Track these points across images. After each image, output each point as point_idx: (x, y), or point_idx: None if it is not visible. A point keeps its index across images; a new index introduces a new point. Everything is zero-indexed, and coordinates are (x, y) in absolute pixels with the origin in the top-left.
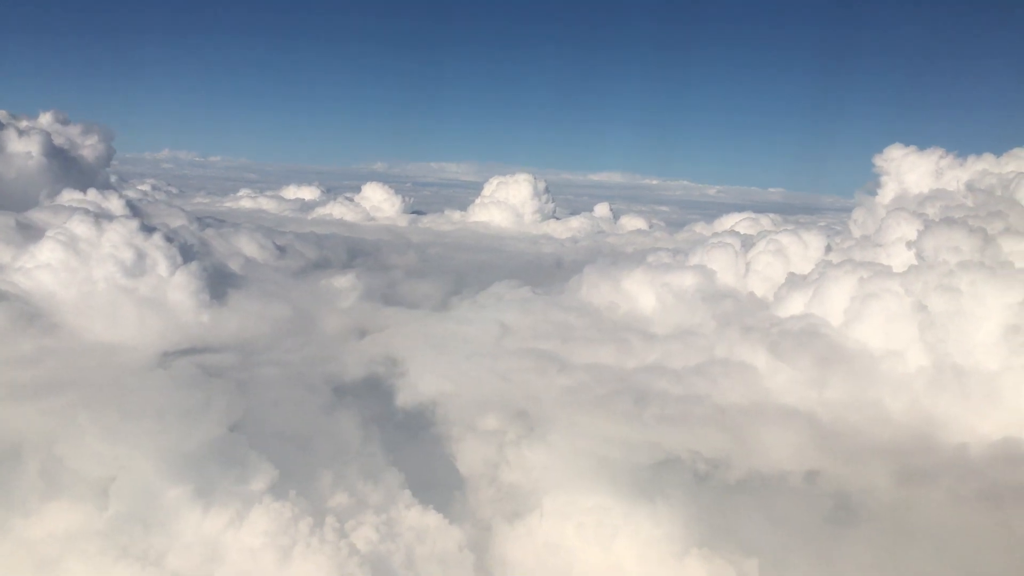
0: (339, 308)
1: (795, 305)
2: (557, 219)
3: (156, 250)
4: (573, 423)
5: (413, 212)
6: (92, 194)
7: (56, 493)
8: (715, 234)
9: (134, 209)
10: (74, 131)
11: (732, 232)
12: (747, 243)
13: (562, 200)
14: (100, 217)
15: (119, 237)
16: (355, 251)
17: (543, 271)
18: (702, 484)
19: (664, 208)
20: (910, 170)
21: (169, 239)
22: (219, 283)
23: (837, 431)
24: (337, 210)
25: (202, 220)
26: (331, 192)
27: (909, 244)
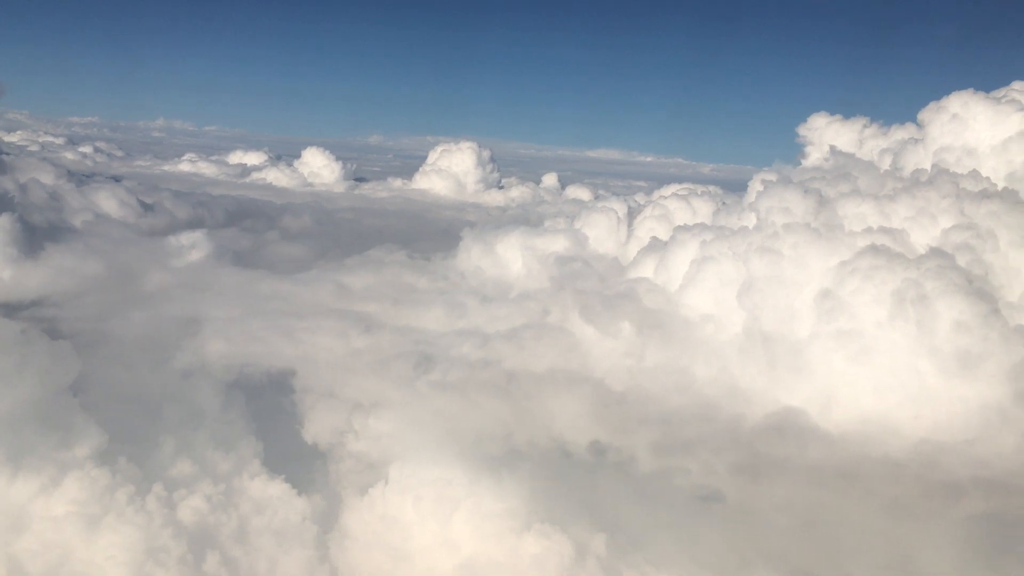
0: (171, 267)
1: (645, 269)
2: (501, 188)
3: None
4: (354, 387)
5: (356, 179)
6: None
7: None
8: (598, 198)
9: None
10: None
11: (620, 198)
12: (636, 210)
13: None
14: None
15: None
16: (244, 213)
17: (448, 238)
18: (550, 459)
19: (641, 183)
20: (833, 139)
21: None
22: (41, 237)
23: (625, 399)
24: (273, 175)
25: (80, 177)
26: (281, 159)
27: (750, 206)
